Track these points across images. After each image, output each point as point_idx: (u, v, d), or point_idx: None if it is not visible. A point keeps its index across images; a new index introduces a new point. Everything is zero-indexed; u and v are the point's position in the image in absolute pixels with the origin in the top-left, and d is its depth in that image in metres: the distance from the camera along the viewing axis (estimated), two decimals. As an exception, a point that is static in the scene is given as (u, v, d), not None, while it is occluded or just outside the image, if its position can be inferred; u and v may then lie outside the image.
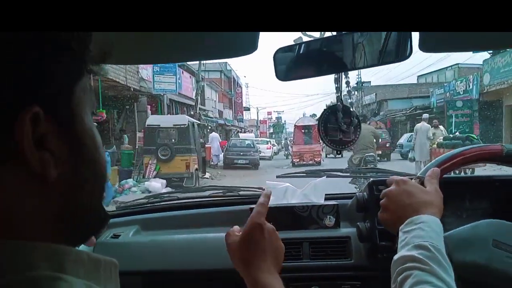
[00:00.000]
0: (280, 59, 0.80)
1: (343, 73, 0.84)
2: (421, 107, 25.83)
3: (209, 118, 27.33)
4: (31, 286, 0.35)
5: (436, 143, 11.63)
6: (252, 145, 18.86)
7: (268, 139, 31.74)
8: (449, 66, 31.90)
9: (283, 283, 1.22)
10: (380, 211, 0.83)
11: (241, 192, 1.67)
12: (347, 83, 0.85)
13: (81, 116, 0.43)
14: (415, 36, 0.76)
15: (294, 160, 18.07)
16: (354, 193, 1.30)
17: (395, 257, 0.70)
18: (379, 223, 1.13)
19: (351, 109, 0.88)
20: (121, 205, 1.76)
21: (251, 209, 1.40)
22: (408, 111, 27.70)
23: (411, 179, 0.88)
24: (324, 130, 0.99)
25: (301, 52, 0.80)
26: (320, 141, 19.81)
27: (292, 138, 22.61)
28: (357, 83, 33.38)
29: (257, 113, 65.70)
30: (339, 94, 0.84)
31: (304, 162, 17.10)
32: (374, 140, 8.27)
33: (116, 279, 0.45)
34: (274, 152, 28.97)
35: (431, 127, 11.74)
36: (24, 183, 0.38)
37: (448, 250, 0.79)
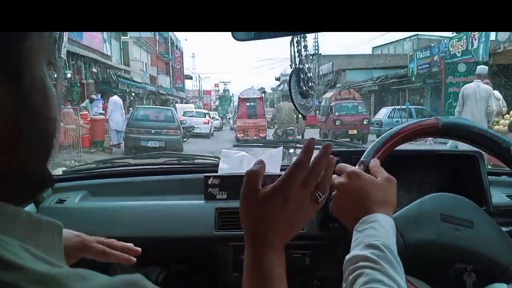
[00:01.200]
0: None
1: (301, 36, 0.80)
2: (394, 75, 22.57)
3: (132, 82, 21.59)
4: None
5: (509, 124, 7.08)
6: (171, 118, 12.49)
7: (205, 111, 25.68)
8: (408, 37, 30.01)
9: (234, 252, 1.22)
10: (332, 205, 0.81)
11: (196, 160, 1.63)
12: (305, 47, 0.81)
13: (32, 66, 0.38)
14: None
15: (238, 135, 16.64)
16: None
17: (348, 256, 0.70)
18: (332, 193, 1.13)
19: (309, 74, 0.85)
20: (68, 169, 1.67)
21: (206, 177, 1.38)
22: (377, 81, 23.92)
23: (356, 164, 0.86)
24: (295, 93, 0.95)
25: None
26: (266, 115, 17.24)
27: (236, 111, 20.31)
28: (314, 52, 31.23)
29: (199, 81, 60.18)
30: (301, 57, 0.80)
31: (248, 138, 15.76)
32: (295, 116, 10.01)
33: (59, 244, 0.41)
34: (215, 128, 25.14)
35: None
36: None
37: (400, 231, 0.79)
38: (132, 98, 22.66)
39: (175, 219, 1.27)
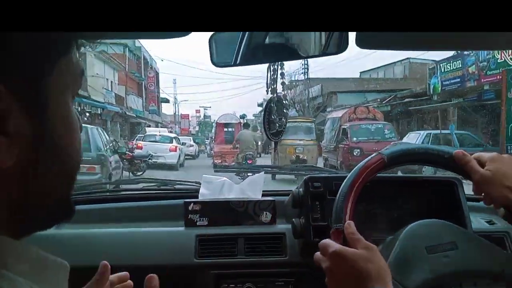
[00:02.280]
0: (217, 42, 0.76)
1: (278, 63, 0.81)
2: (408, 94, 18.77)
3: (86, 101, 18.55)
4: None
5: None
6: (87, 144, 8.61)
7: (172, 136, 20.15)
8: (399, 61, 28.59)
9: (215, 280, 1.19)
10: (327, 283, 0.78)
11: (176, 186, 1.61)
12: (282, 74, 0.82)
13: (57, 96, 0.38)
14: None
15: (215, 161, 15.77)
16: (291, 190, 1.29)
17: None
18: (313, 220, 1.12)
19: (284, 101, 0.86)
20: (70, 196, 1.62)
21: (186, 203, 1.36)
22: (383, 101, 20.42)
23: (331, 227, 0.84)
24: (268, 124, 0.96)
25: (240, 37, 0.76)
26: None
27: (213, 137, 19.45)
28: (304, 74, 29.80)
29: (175, 104, 54.48)
30: (275, 86, 0.81)
31: (226, 163, 14.89)
32: (254, 143, 11.72)
33: (64, 284, 0.41)
34: (189, 155, 21.64)
35: None
36: None
37: (399, 281, 0.79)
38: (86, 119, 18.50)
39: (154, 246, 1.24)
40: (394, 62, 29.24)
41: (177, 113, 56.58)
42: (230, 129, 17.34)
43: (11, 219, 0.37)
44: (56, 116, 0.38)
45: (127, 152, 11.89)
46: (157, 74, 41.17)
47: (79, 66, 0.42)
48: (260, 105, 54.10)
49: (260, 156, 14.75)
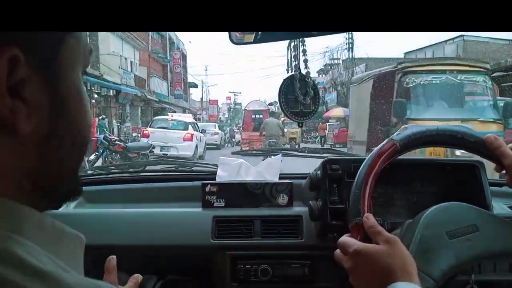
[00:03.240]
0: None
1: (299, 40, 0.79)
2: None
3: (95, 80, 16.08)
4: None
5: None
6: None
7: (188, 121, 15.11)
8: (450, 39, 24.21)
9: (231, 261, 1.20)
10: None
11: (194, 168, 1.62)
12: (304, 51, 0.80)
13: (69, 70, 0.39)
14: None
15: (243, 148, 15.42)
16: (307, 173, 1.28)
17: None
18: (331, 202, 1.11)
19: (307, 79, 0.84)
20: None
21: (204, 184, 1.36)
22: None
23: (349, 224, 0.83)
24: (285, 102, 0.94)
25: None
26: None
27: (241, 123, 19.61)
28: (348, 50, 26.20)
29: (202, 88, 48.93)
30: (297, 62, 0.79)
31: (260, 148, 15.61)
32: (280, 130, 11.53)
33: (79, 256, 0.41)
34: (213, 144, 18.83)
35: None
36: None
37: (424, 272, 0.78)
38: (95, 101, 16.52)
39: (172, 227, 1.25)
40: (445, 40, 24.57)
41: (204, 99, 51.82)
42: (258, 116, 16.97)
43: (29, 189, 0.38)
44: (69, 90, 0.39)
45: (117, 143, 9.55)
46: (184, 56, 37.88)
47: (87, 45, 0.42)
48: None
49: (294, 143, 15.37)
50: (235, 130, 25.46)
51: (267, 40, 0.73)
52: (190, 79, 43.05)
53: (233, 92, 56.54)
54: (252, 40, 0.73)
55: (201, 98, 52.16)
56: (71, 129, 0.40)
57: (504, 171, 0.88)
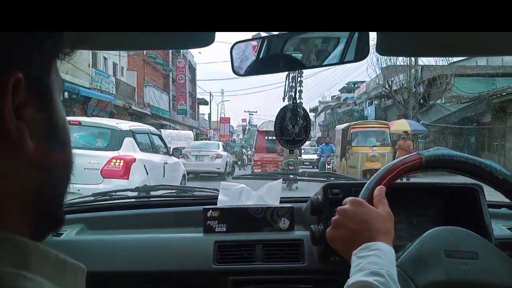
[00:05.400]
0: (238, 53, 0.78)
1: (297, 71, 0.82)
2: None
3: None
4: None
5: None
6: None
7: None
8: None
9: (234, 286, 1.20)
10: (330, 228, 0.82)
11: (195, 193, 1.63)
12: (300, 82, 0.83)
13: (57, 91, 0.41)
14: (372, 37, 0.76)
15: (255, 169, 15.03)
16: (309, 197, 1.29)
17: (349, 281, 0.70)
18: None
19: (298, 109, 0.88)
20: (66, 202, 1.66)
21: (205, 210, 1.37)
22: None
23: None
24: (280, 130, 0.98)
25: (259, 47, 0.78)
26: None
27: (253, 144, 17.99)
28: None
29: (210, 102, 41.48)
30: (291, 93, 0.83)
31: (264, 172, 14.86)
32: (297, 150, 11.22)
33: (82, 287, 0.41)
34: (213, 171, 14.52)
35: None
36: (2, 151, 0.35)
37: (409, 276, 0.80)
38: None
39: (174, 252, 1.26)
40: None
41: (209, 112, 43.71)
42: (271, 137, 15.68)
43: (30, 212, 0.38)
44: (59, 111, 0.41)
45: None
46: (192, 68, 33.61)
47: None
48: (312, 110, 46.78)
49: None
50: (244, 152, 22.68)
51: (268, 72, 0.76)
52: (199, 95, 38.41)
53: (248, 111, 52.63)
54: (253, 72, 0.76)
55: (209, 114, 44.10)
56: (65, 150, 0.41)
57: None
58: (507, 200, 0.96)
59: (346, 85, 37.47)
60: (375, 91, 25.02)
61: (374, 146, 12.82)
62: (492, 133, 16.14)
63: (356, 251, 0.74)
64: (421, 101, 19.11)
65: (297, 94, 0.83)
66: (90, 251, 1.25)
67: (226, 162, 15.43)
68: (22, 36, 0.36)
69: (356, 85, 33.33)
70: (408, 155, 0.95)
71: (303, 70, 0.84)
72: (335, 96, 43.10)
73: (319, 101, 47.84)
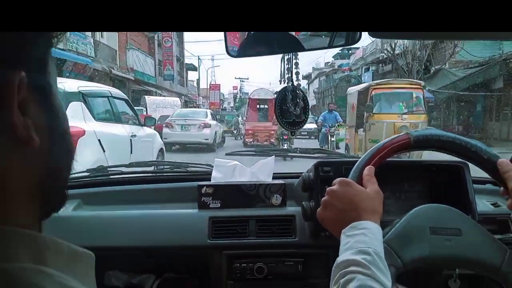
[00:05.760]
0: (231, 34, 0.78)
1: (293, 54, 0.83)
2: None
3: None
4: (15, 279, 0.33)
5: None
6: None
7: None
8: None
9: (228, 260, 1.25)
10: (320, 208, 0.85)
11: (189, 168, 1.65)
12: (296, 64, 0.84)
13: (53, 87, 0.42)
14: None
15: (246, 139, 14.73)
16: (301, 173, 1.33)
17: (339, 259, 0.74)
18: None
19: (298, 91, 0.89)
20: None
21: (200, 186, 1.40)
22: None
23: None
24: (280, 112, 0.99)
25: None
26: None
27: (244, 113, 17.44)
28: None
29: (199, 67, 38.26)
30: (289, 75, 0.84)
31: (257, 143, 14.08)
32: None
33: (92, 274, 0.44)
34: (201, 142, 13.18)
35: None
36: (10, 148, 0.37)
37: (396, 252, 0.84)
38: None
39: (169, 228, 1.29)
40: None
41: (198, 78, 40.12)
42: (263, 106, 15.49)
43: (36, 202, 0.40)
44: (56, 103, 0.42)
45: None
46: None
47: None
48: (305, 76, 43.59)
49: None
50: (239, 121, 21.57)
51: (260, 54, 0.77)
52: (187, 59, 35.63)
53: (239, 78, 49.39)
54: (245, 54, 0.77)
55: (198, 80, 40.67)
56: (65, 138, 0.43)
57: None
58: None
59: (340, 51, 36.46)
60: (372, 57, 23.88)
61: (404, 113, 9.69)
62: (503, 100, 14.76)
63: (345, 229, 0.77)
64: (424, 67, 17.44)
65: (294, 76, 0.84)
66: (87, 227, 1.28)
67: (215, 132, 14.06)
68: (21, 33, 0.37)
69: (350, 51, 32.37)
70: (397, 135, 0.97)
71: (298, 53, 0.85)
72: (329, 62, 41.80)
73: (313, 67, 45.52)
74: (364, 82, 24.55)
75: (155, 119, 6.66)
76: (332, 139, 11.33)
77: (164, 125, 13.12)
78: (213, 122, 14.06)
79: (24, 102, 0.37)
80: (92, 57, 16.05)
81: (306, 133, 19.66)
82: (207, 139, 13.27)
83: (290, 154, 1.70)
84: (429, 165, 1.27)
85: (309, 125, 20.10)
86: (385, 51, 19.38)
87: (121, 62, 19.98)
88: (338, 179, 0.85)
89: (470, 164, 1.13)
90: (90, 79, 14.71)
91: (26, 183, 0.39)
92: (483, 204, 1.34)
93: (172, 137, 12.67)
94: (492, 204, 1.35)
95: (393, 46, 18.44)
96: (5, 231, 0.35)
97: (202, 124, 13.35)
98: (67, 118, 0.44)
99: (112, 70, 17.81)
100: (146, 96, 19.36)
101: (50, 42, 0.41)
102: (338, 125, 11.51)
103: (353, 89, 11.81)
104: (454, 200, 1.08)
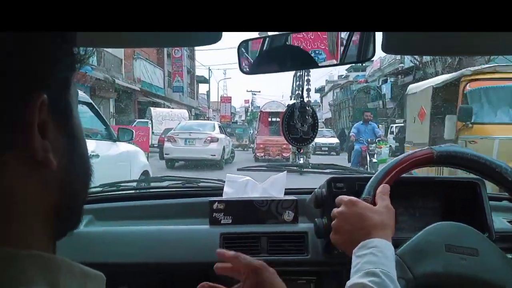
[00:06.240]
0: (244, 51, 0.79)
1: (304, 70, 0.84)
2: None
3: None
4: None
5: None
6: None
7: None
8: None
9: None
10: (332, 233, 0.85)
11: (200, 184, 1.65)
12: (308, 81, 0.85)
13: (74, 109, 0.42)
14: (379, 36, 0.77)
15: (257, 153, 14.24)
16: (314, 188, 1.31)
17: (348, 283, 0.72)
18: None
19: (307, 108, 0.89)
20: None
21: (211, 202, 1.40)
22: None
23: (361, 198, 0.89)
24: (287, 128, 0.99)
25: (266, 46, 0.79)
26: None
27: (256, 127, 17.07)
28: None
29: (209, 78, 36.40)
30: (300, 91, 0.84)
31: (269, 157, 13.64)
32: None
33: None
34: (207, 158, 11.85)
35: None
36: (27, 170, 0.37)
37: (408, 265, 0.82)
38: None
39: (180, 244, 1.28)
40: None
41: (208, 91, 38.73)
42: (275, 119, 15.10)
43: (52, 224, 0.40)
44: (76, 125, 0.43)
45: None
46: None
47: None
48: (318, 90, 42.91)
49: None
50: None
51: (273, 71, 0.78)
52: (199, 71, 34.63)
53: (251, 91, 48.31)
54: (259, 71, 0.78)
55: (208, 92, 38.62)
56: (83, 161, 0.43)
57: None
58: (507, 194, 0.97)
59: (353, 64, 35.98)
60: (390, 67, 23.10)
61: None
62: None
63: (355, 249, 0.76)
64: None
65: (305, 92, 0.84)
66: (98, 243, 1.28)
67: (224, 146, 12.53)
68: (44, 54, 0.37)
69: (363, 64, 30.43)
70: (419, 149, 0.96)
71: (310, 70, 0.85)
72: (343, 75, 41.03)
73: (326, 80, 44.62)
74: (384, 94, 23.33)
75: (133, 132, 5.35)
76: (373, 159, 8.73)
77: (165, 139, 12.13)
78: (222, 136, 12.82)
79: (44, 124, 0.37)
80: (93, 65, 15.18)
81: (326, 148, 18.54)
82: (214, 155, 11.94)
83: (303, 170, 1.69)
84: (444, 181, 1.25)
85: (329, 140, 19.15)
86: (413, 59, 18.13)
87: (128, 72, 19.45)
88: (344, 199, 0.84)
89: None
90: (92, 89, 14.63)
91: (42, 204, 0.39)
92: (499, 222, 1.31)
93: (174, 152, 11.69)
94: (509, 222, 1.32)
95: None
96: (22, 255, 0.36)
97: (209, 138, 12.12)
98: (85, 140, 0.44)
99: (116, 80, 17.00)
100: (151, 108, 18.74)
101: (74, 64, 0.42)
102: (379, 141, 9.01)
103: (421, 86, 7.71)
104: (470, 217, 1.06)
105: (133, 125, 13.30)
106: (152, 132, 15.77)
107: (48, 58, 0.38)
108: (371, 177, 0.95)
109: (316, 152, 15.90)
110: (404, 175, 0.98)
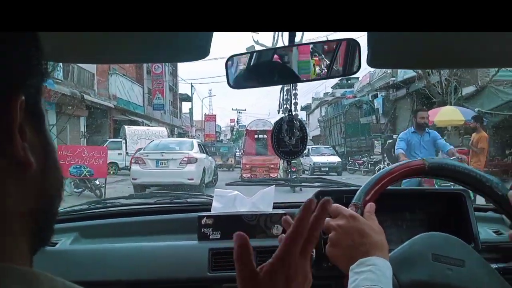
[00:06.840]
0: (232, 66, 0.80)
1: (292, 84, 0.85)
2: None
3: None
4: None
5: None
6: None
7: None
8: None
9: None
10: (328, 245, 0.84)
11: (189, 199, 1.64)
12: (295, 94, 0.86)
13: (44, 109, 0.42)
14: (364, 51, 0.79)
15: (243, 174, 13.60)
16: (302, 202, 1.32)
17: None
18: (324, 233, 1.15)
19: (295, 121, 0.90)
20: (60, 210, 1.66)
21: (200, 217, 1.39)
22: None
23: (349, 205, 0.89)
24: (277, 142, 1.00)
25: (253, 60, 0.81)
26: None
27: (241, 146, 16.71)
28: None
29: (192, 95, 35.00)
30: (287, 106, 0.85)
31: (256, 178, 12.06)
32: None
33: None
34: (183, 182, 9.99)
35: None
36: (8, 171, 0.37)
37: (394, 272, 0.82)
38: None
39: (169, 260, 1.27)
40: None
41: (190, 108, 36.71)
42: (262, 137, 14.72)
43: (29, 229, 0.39)
44: (47, 132, 0.42)
45: None
46: None
47: None
48: (304, 108, 42.22)
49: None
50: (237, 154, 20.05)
51: (262, 85, 0.79)
52: (181, 89, 33.19)
53: (236, 109, 47.61)
54: (247, 85, 0.79)
55: (190, 109, 36.79)
56: (56, 167, 0.43)
57: None
58: (492, 205, 0.99)
59: (339, 81, 35.10)
60: (381, 82, 21.97)
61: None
62: None
63: (353, 266, 0.75)
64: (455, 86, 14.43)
65: (293, 106, 0.85)
66: (85, 261, 1.26)
67: (204, 168, 10.87)
68: (23, 56, 0.37)
69: (349, 81, 30.97)
70: (412, 159, 0.97)
71: (298, 84, 0.87)
72: (329, 93, 40.51)
73: (312, 97, 44.33)
74: (378, 108, 21.34)
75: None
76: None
77: (133, 161, 10.35)
78: (201, 156, 11.11)
79: (22, 126, 0.37)
80: (59, 79, 13.63)
81: (327, 168, 16.80)
82: (192, 179, 10.10)
83: (291, 184, 1.70)
84: (430, 193, 1.26)
85: (329, 158, 17.44)
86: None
87: (102, 88, 18.10)
88: (344, 212, 0.83)
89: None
90: (58, 105, 12.83)
91: (21, 211, 0.38)
92: (485, 232, 1.32)
93: (143, 177, 9.86)
94: (494, 232, 1.34)
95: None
96: (4, 269, 0.35)
97: (185, 159, 10.33)
98: (55, 149, 0.44)
99: (87, 96, 15.55)
100: (126, 126, 17.30)
101: (47, 72, 0.42)
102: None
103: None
104: (456, 228, 1.07)
105: (104, 145, 11.92)
106: (127, 153, 14.77)
107: (27, 59, 0.38)
108: (358, 189, 0.96)
109: (315, 173, 15.14)
110: (390, 187, 1.00)
